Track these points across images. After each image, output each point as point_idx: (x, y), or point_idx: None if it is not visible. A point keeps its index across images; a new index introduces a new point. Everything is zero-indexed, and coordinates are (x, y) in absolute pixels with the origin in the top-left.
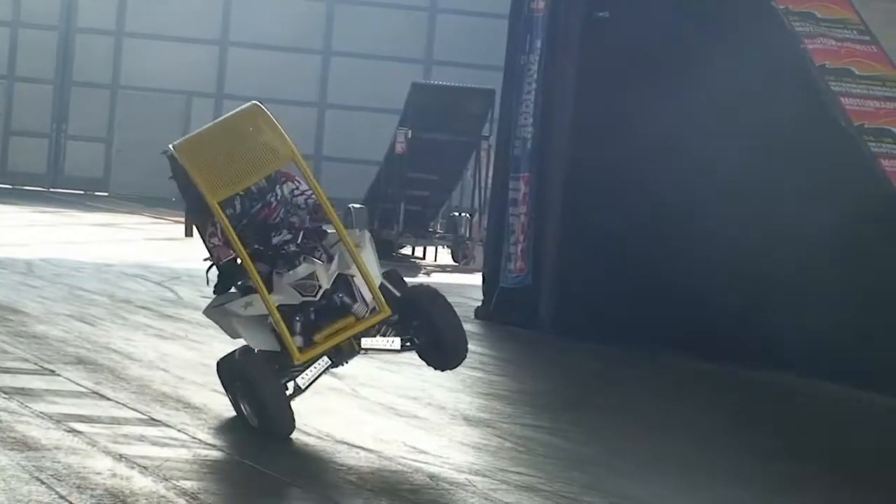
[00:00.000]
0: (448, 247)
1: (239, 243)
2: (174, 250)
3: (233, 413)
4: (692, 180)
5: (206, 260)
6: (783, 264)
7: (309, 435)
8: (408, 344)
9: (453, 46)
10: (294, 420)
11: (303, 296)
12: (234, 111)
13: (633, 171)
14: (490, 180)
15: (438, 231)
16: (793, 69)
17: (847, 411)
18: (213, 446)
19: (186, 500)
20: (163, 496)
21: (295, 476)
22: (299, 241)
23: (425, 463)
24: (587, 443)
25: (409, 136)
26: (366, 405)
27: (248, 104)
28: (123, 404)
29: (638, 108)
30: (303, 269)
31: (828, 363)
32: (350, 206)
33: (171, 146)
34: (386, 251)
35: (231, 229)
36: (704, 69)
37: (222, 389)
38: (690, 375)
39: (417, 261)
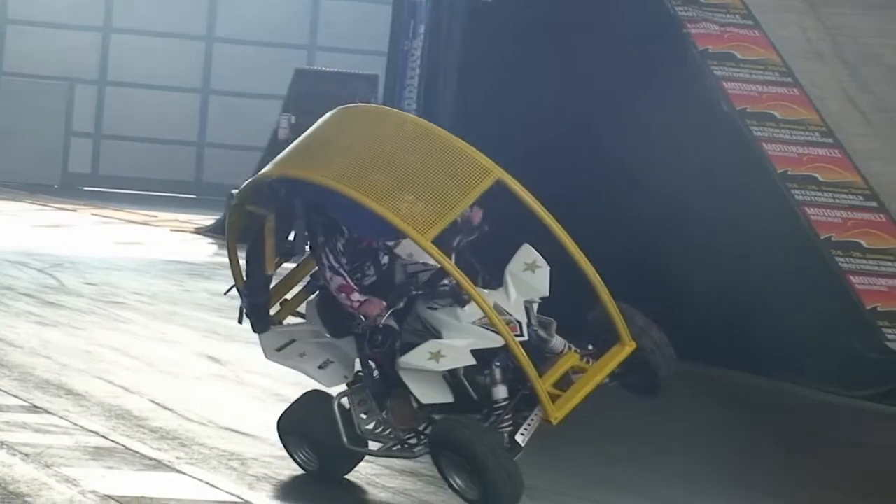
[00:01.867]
0: None
1: (468, 282)
2: (57, 237)
3: (113, 397)
4: (575, 161)
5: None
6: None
7: (191, 421)
8: (615, 379)
9: (337, 32)
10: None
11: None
12: (350, 116)
13: (518, 157)
14: None
15: None
16: (672, 52)
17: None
18: (95, 433)
19: (68, 487)
20: (44, 483)
21: (176, 461)
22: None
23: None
24: None
25: (293, 121)
26: (251, 392)
27: (369, 107)
28: (5, 391)
29: (520, 93)
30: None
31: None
32: (233, 191)
33: (291, 173)
34: None
35: (460, 274)
36: (586, 54)
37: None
38: None
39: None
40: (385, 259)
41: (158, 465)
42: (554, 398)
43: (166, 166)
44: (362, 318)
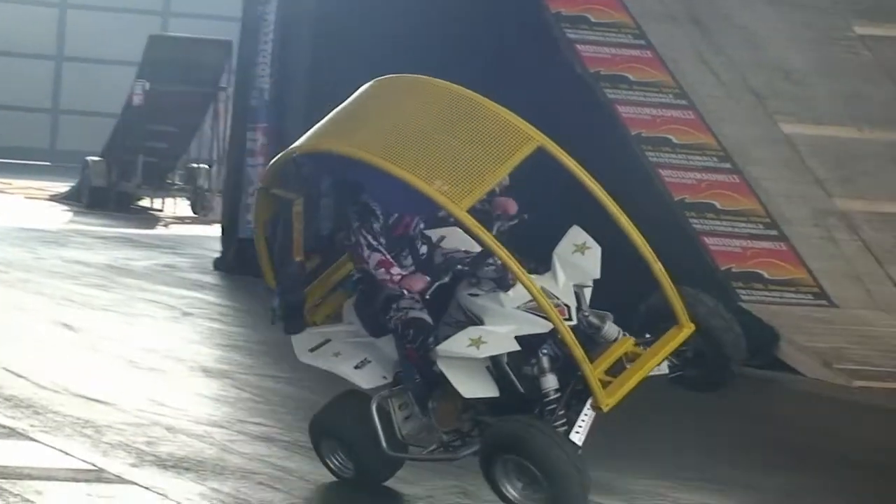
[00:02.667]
0: (187, 198)
1: (509, 256)
2: None
3: None
4: None
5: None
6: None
7: (45, 389)
8: (676, 370)
9: None
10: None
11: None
12: (380, 87)
13: None
14: (228, 131)
15: (177, 183)
16: (525, 16)
17: None
18: None
19: None
20: None
21: (30, 429)
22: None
23: (163, 415)
24: (324, 392)
25: (147, 87)
26: (104, 358)
27: (400, 77)
28: None
29: (374, 56)
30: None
31: None
32: (87, 158)
33: (316, 146)
34: (124, 203)
35: (499, 247)
36: (440, 16)
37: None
38: None
39: (156, 213)
40: (423, 248)
41: (12, 433)
42: (605, 385)
43: (20, 133)
44: (405, 292)
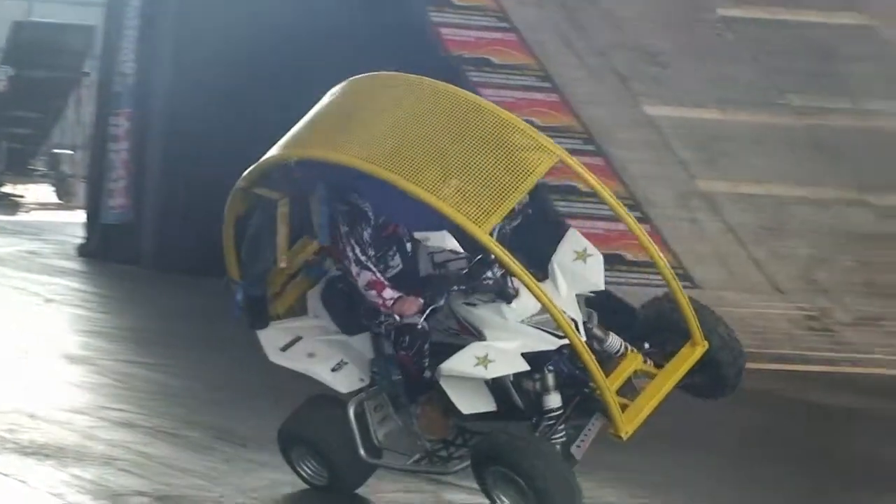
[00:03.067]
0: (50, 184)
1: (532, 279)
2: None
3: None
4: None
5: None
6: None
7: None
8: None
9: None
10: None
11: (560, 337)
12: (378, 86)
13: (236, 104)
14: (92, 117)
15: (40, 168)
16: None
17: None
18: None
19: None
20: None
21: None
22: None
23: (25, 402)
24: (187, 377)
25: (11, 73)
26: None
27: (398, 76)
28: None
29: (240, 39)
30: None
31: None
32: None
33: (321, 155)
34: None
35: (523, 271)
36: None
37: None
38: None
39: (18, 199)
40: (409, 245)
41: None
42: (621, 409)
43: None
44: (396, 317)
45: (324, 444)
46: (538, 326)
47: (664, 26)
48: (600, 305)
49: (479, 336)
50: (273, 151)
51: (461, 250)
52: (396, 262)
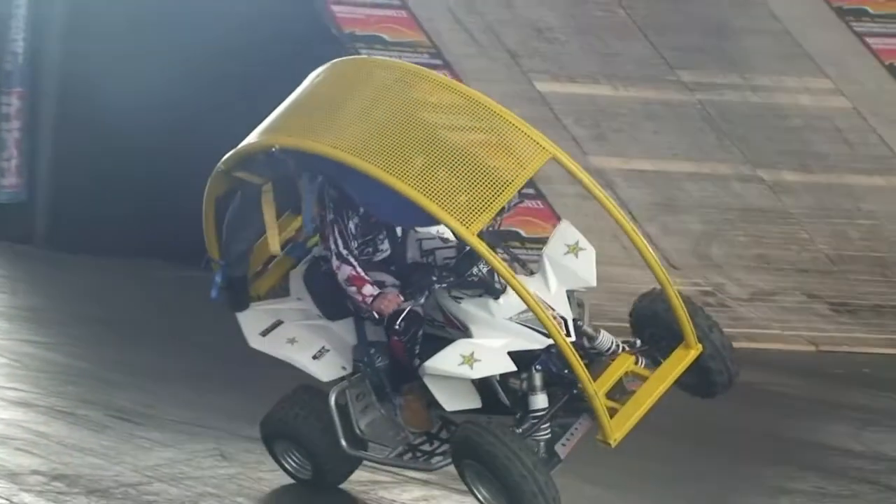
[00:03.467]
0: None
1: (519, 283)
2: None
3: None
4: (183, 90)
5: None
6: None
7: None
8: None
9: None
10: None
11: (548, 336)
12: (364, 72)
13: (128, 84)
14: None
15: None
16: None
17: None
18: None
19: None
20: None
21: None
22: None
23: None
24: (82, 356)
25: None
26: None
27: (387, 63)
28: None
29: (132, 17)
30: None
31: None
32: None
33: (302, 145)
34: None
35: (510, 275)
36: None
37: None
38: (176, 283)
39: None
40: (400, 231)
41: None
42: (610, 413)
43: None
44: (375, 314)
45: (305, 437)
46: (526, 324)
47: (554, 2)
48: None
49: (464, 331)
50: (252, 137)
51: (452, 238)
52: (385, 247)
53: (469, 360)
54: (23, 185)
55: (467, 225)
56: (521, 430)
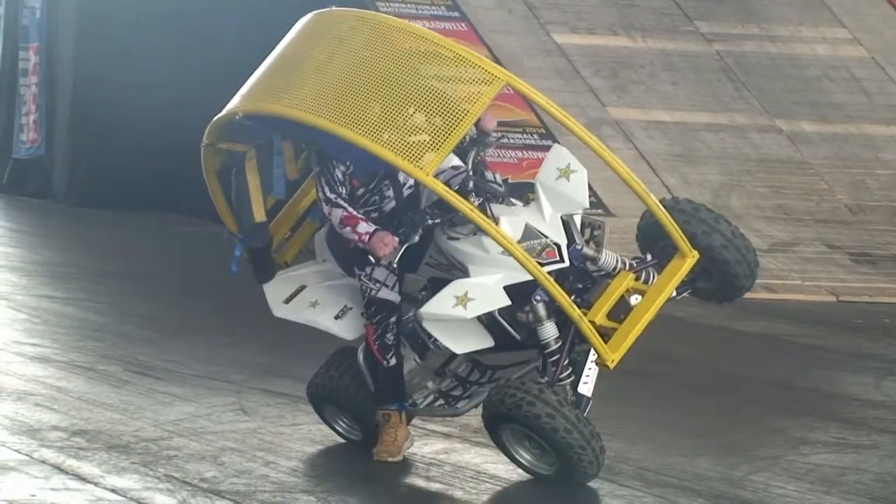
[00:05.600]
0: None
1: (484, 219)
2: None
3: None
4: (206, 42)
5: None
6: None
7: None
8: (683, 290)
9: None
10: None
11: (542, 264)
12: (323, 25)
13: (143, 41)
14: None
15: None
16: None
17: None
18: None
19: None
20: None
21: None
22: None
23: None
24: (101, 311)
25: None
26: None
27: (344, 13)
28: None
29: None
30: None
31: None
32: None
33: (256, 108)
34: None
35: (470, 209)
36: None
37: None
38: (195, 237)
39: None
40: (409, 180)
41: None
42: (608, 333)
43: None
44: (371, 259)
45: (343, 398)
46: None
47: None
48: None
49: (464, 272)
50: (228, 106)
51: (462, 164)
52: (390, 195)
53: (463, 300)
54: (41, 140)
55: (419, 165)
56: (547, 378)
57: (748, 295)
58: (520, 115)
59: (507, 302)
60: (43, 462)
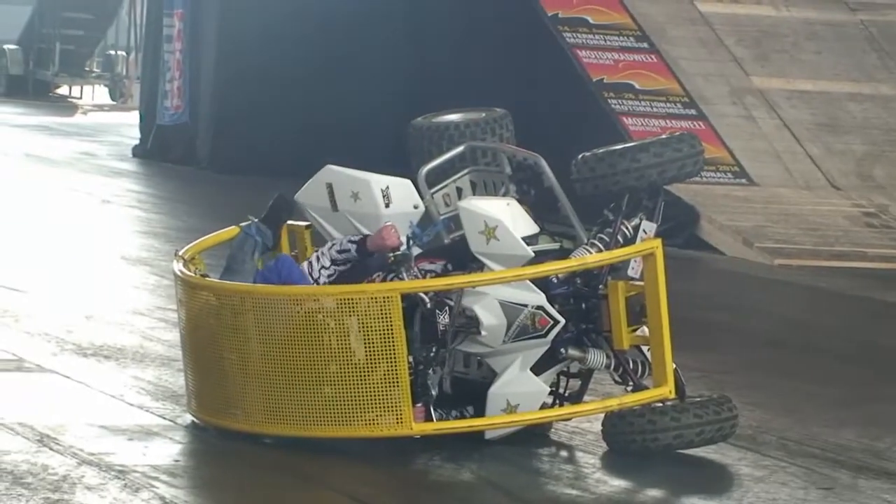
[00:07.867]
0: (105, 85)
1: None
2: None
3: None
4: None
5: None
6: None
7: None
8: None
9: None
10: None
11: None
12: None
13: (288, 6)
14: (144, 17)
15: (95, 70)
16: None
17: None
18: None
19: None
20: None
21: None
22: None
23: (82, 303)
24: None
25: None
26: (21, 247)
27: None
28: None
29: None
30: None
31: None
32: (3, 46)
33: (215, 422)
34: (42, 91)
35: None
36: None
37: None
38: None
39: (75, 100)
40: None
41: None
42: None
43: None
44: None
45: None
46: (519, 334)
47: None
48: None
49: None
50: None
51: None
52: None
53: (510, 409)
54: (185, 106)
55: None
56: (620, 378)
57: (889, 264)
58: (662, 83)
59: (546, 388)
60: (186, 427)
